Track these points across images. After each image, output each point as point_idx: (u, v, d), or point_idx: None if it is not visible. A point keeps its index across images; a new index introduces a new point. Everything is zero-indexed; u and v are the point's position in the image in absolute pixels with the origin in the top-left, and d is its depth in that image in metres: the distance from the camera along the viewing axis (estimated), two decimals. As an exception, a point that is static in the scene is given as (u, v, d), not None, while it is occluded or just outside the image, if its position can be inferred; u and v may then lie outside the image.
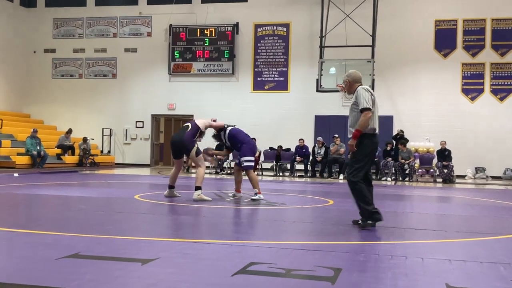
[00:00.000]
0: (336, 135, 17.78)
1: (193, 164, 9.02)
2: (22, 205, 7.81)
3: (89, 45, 23.28)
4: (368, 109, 5.65)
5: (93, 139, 21.93)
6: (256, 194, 8.51)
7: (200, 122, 8.61)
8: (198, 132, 8.45)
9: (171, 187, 8.62)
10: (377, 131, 5.84)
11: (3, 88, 22.72)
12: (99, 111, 22.88)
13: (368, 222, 5.67)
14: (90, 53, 23.26)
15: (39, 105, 23.70)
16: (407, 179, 16.93)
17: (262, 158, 19.03)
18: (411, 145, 18.54)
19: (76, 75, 23.40)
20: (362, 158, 5.73)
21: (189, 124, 8.51)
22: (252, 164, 8.79)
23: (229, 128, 8.92)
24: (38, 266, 3.61)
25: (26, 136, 18.33)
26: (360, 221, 5.77)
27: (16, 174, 14.07)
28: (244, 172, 8.90)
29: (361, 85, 5.96)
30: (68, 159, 19.99)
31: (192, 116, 21.68)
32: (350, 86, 6.02)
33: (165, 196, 8.58)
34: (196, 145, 8.41)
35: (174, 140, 8.48)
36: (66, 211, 6.91)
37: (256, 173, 17.98)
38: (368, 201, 5.65)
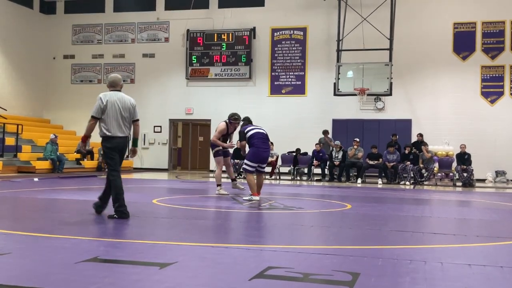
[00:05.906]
0: (357, 139, 17.73)
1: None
2: (42, 210, 7.89)
3: (107, 50, 23.50)
4: (93, 117, 6.45)
5: (111, 144, 22.06)
6: (250, 195, 9.01)
7: None
8: None
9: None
10: (109, 134, 6.44)
11: (24, 94, 23.02)
12: (118, 116, 22.97)
13: (114, 215, 6.40)
14: (109, 59, 23.48)
15: (59, 111, 23.95)
16: (425, 182, 16.80)
17: (280, 162, 19.01)
18: (429, 148, 18.36)
19: (95, 81, 23.63)
20: (106, 159, 6.65)
21: None
22: (249, 168, 9.07)
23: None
24: (58, 270, 3.65)
25: (46, 141, 18.53)
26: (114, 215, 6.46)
27: (36, 179, 14.24)
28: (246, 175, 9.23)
29: (114, 90, 6.69)
30: (87, 163, 20.17)
31: (209, 120, 21.80)
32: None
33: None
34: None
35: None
36: (85, 215, 6.97)
37: (273, 177, 18.26)
38: (119, 197, 6.41)
